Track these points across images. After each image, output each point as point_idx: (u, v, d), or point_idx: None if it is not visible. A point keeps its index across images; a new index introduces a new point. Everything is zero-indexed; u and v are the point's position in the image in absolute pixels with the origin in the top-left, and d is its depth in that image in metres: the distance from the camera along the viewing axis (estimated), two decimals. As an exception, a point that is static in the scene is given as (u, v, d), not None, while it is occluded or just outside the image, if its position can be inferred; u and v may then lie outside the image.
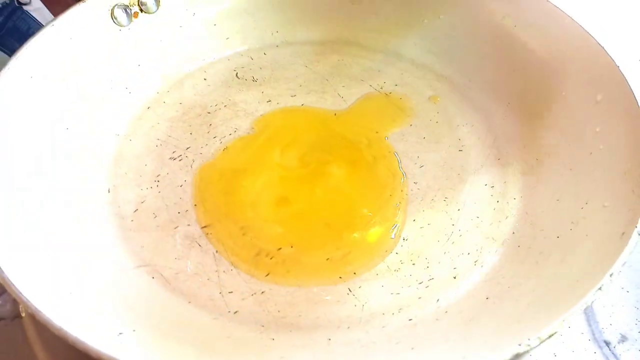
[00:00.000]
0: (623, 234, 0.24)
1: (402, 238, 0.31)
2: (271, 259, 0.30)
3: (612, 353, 0.30)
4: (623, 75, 0.30)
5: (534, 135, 0.35)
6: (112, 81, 0.37)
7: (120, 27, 0.37)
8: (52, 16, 0.48)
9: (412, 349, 0.25)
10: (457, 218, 0.32)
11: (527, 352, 0.20)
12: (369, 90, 0.40)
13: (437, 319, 0.27)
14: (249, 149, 0.36)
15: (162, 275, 0.29)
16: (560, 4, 0.35)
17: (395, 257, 0.30)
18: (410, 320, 0.27)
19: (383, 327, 0.27)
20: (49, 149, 0.32)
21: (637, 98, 0.29)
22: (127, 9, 0.37)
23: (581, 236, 0.27)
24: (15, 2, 0.46)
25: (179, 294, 0.28)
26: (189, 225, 0.31)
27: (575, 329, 0.31)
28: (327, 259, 0.30)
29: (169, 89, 0.39)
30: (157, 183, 0.34)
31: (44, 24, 0.46)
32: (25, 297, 0.21)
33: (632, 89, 0.30)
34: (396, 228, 0.31)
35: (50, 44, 0.33)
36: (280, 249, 0.30)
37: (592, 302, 0.21)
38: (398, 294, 0.28)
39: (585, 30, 0.33)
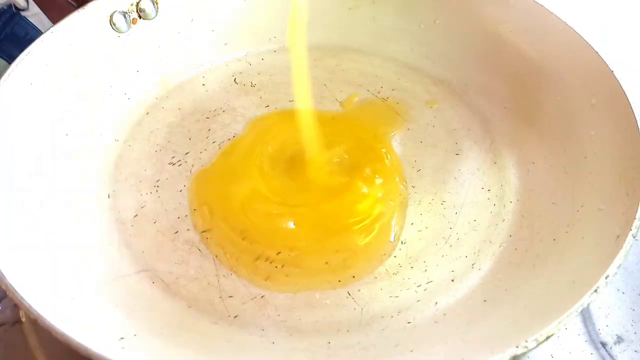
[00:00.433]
0: (618, 236, 0.24)
1: (400, 241, 0.31)
2: (270, 263, 0.30)
3: (609, 354, 0.31)
4: (617, 79, 0.31)
5: (530, 139, 0.35)
6: (111, 87, 0.37)
7: (119, 33, 0.37)
8: (50, 22, 0.48)
9: (411, 351, 0.25)
10: (455, 221, 0.32)
11: (525, 353, 0.20)
12: (366, 95, 0.40)
13: (435, 322, 0.27)
14: (245, 153, 0.36)
15: (162, 280, 0.29)
16: (555, 10, 0.35)
17: (394, 261, 0.30)
18: (409, 323, 0.27)
19: (382, 330, 0.27)
20: (48, 153, 0.32)
21: (630, 102, 0.30)
22: (126, 15, 0.37)
23: (577, 239, 0.28)
24: (13, 8, 0.47)
25: (180, 298, 0.29)
26: (188, 230, 0.32)
27: (572, 331, 0.31)
28: (326, 262, 0.30)
29: (168, 95, 0.40)
30: (156, 188, 0.34)
31: (41, 29, 0.47)
32: (27, 302, 0.22)
33: (626, 93, 0.30)
34: (394, 231, 0.32)
35: (49, 51, 0.33)
36: (279, 253, 0.30)
37: (589, 304, 0.22)
38: (397, 297, 0.29)
39: (580, 36, 0.33)
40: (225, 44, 0.42)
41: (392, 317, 0.28)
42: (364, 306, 0.28)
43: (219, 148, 0.36)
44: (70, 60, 0.35)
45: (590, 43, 0.33)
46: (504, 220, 0.32)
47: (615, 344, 0.31)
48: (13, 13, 0.47)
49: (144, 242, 0.31)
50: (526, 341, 0.20)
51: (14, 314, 0.32)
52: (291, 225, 0.32)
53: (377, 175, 0.34)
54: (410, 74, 0.41)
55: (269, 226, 0.31)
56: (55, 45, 0.34)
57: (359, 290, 0.29)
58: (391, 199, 0.33)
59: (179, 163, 0.35)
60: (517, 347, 0.20)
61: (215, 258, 0.30)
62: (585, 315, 0.32)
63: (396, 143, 0.37)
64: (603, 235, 0.26)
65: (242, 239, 0.31)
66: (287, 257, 0.30)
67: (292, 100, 0.39)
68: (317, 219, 0.32)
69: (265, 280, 0.29)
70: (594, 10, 0.46)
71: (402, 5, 0.41)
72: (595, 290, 0.22)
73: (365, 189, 0.33)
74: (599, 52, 0.32)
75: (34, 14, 0.49)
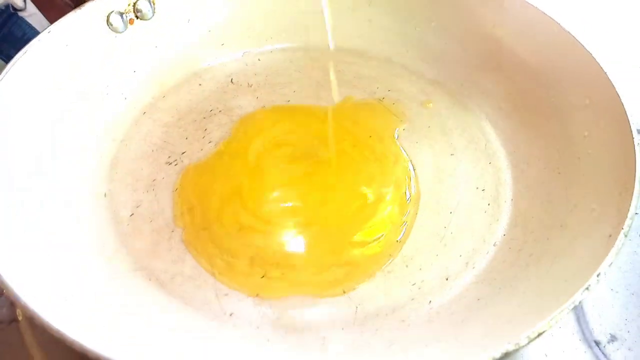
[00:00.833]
0: (610, 235, 0.25)
1: (395, 240, 0.31)
2: (267, 261, 0.30)
3: (602, 352, 0.31)
4: (610, 80, 0.31)
5: (525, 140, 0.35)
6: (108, 87, 0.37)
7: (116, 34, 0.38)
8: (47, 22, 0.48)
9: (405, 350, 0.25)
10: (449, 221, 0.32)
11: (517, 350, 0.20)
12: (362, 95, 0.40)
13: (429, 320, 0.27)
14: (240, 150, 0.36)
15: (158, 278, 0.29)
16: (550, 12, 0.35)
17: (389, 259, 0.30)
18: (403, 321, 0.28)
19: (377, 329, 0.27)
20: (44, 153, 0.32)
21: (623, 103, 0.30)
22: (123, 16, 0.37)
23: (570, 238, 0.28)
24: (11, 9, 0.47)
25: (175, 296, 0.29)
26: (185, 228, 0.32)
27: (565, 329, 0.32)
28: (331, 276, 0.30)
29: (165, 95, 0.40)
30: (153, 187, 0.34)
31: (39, 29, 0.47)
32: (23, 300, 0.22)
33: (619, 94, 0.30)
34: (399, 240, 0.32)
35: (46, 51, 0.33)
36: (276, 252, 0.30)
37: (580, 301, 0.22)
38: (391, 295, 0.29)
39: (574, 37, 0.34)
40: (222, 44, 0.42)
41: (386, 315, 0.28)
42: (359, 304, 0.29)
43: (215, 148, 0.36)
44: (67, 60, 0.35)
45: (584, 44, 0.33)
46: (498, 220, 0.32)
47: (608, 342, 0.31)
48: (10, 13, 0.47)
49: (140, 241, 0.31)
50: (518, 338, 0.20)
51: (11, 312, 0.32)
52: (288, 223, 0.32)
53: (381, 181, 0.34)
54: (406, 75, 0.41)
55: (266, 224, 0.32)
56: (52, 45, 0.34)
57: (354, 289, 0.29)
58: (399, 205, 0.33)
59: (175, 163, 0.35)
60: (508, 344, 0.20)
61: (212, 256, 0.30)
62: (579, 314, 0.32)
63: (391, 144, 0.37)
64: (596, 235, 0.26)
65: (239, 238, 0.31)
66: (284, 256, 0.30)
67: (289, 101, 0.40)
68: (314, 218, 0.32)
69: (261, 278, 0.29)
70: (587, 12, 0.47)
71: (398, 7, 0.42)
72: (587, 288, 0.22)
73: (370, 197, 0.33)
74: (592, 54, 0.32)
75: (32, 14, 0.49)
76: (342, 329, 0.27)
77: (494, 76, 0.38)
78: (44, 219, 0.29)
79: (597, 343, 0.31)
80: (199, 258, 0.30)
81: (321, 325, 0.28)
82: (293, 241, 0.31)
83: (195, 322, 0.28)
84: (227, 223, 0.31)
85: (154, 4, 0.38)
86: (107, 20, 0.37)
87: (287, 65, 0.42)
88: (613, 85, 0.31)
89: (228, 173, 0.34)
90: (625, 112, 0.29)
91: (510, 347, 0.20)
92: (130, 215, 0.32)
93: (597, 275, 0.22)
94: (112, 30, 0.37)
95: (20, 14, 0.50)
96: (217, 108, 0.39)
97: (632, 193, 0.26)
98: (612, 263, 0.23)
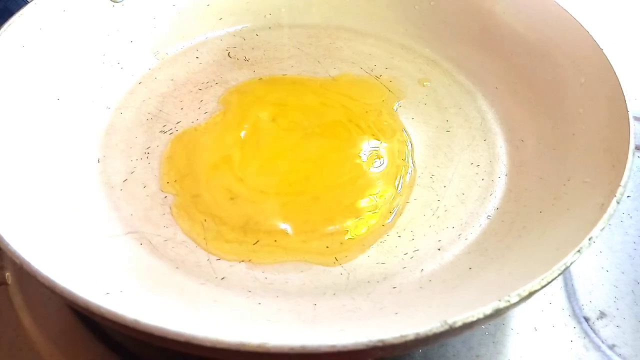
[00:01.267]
0: (602, 204, 0.25)
1: (388, 211, 0.31)
2: (260, 228, 0.30)
3: (591, 328, 0.31)
4: (607, 58, 0.31)
5: (520, 117, 0.36)
6: (105, 55, 0.37)
7: (114, 3, 0.38)
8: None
9: (396, 314, 0.25)
10: (443, 194, 0.32)
11: (507, 308, 0.20)
12: (360, 72, 0.40)
13: (420, 287, 0.27)
14: (232, 119, 0.36)
15: (150, 242, 0.29)
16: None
17: (382, 229, 0.30)
18: (394, 288, 0.28)
19: (368, 294, 0.27)
20: (40, 117, 0.32)
21: (620, 80, 0.30)
22: (121, -15, 0.37)
23: (562, 210, 0.28)
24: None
25: (167, 260, 0.29)
26: (178, 195, 0.32)
27: (556, 305, 0.32)
28: (326, 246, 0.30)
29: (161, 66, 0.40)
30: (147, 155, 0.34)
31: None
32: (12, 248, 0.22)
33: (616, 71, 0.30)
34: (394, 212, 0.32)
35: (43, 14, 0.33)
36: (269, 219, 0.30)
37: (572, 263, 0.22)
38: (383, 263, 0.29)
39: (572, 16, 0.34)
40: (220, 18, 0.42)
41: (378, 282, 0.28)
42: (351, 272, 0.28)
43: (212, 118, 0.36)
44: (64, 26, 0.35)
45: (581, 22, 0.33)
46: (491, 194, 0.32)
47: (597, 319, 0.32)
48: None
49: (133, 205, 0.31)
50: (509, 295, 0.20)
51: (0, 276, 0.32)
52: (282, 193, 0.32)
53: (379, 148, 0.34)
54: (403, 53, 0.41)
55: (259, 192, 0.31)
56: (49, 10, 0.34)
57: (346, 256, 0.29)
58: (394, 178, 0.33)
59: (170, 132, 0.35)
60: (499, 300, 0.20)
61: (204, 222, 0.30)
62: (570, 291, 0.33)
63: (387, 118, 0.37)
64: (588, 205, 0.26)
65: (232, 205, 0.31)
66: (277, 223, 0.30)
67: (286, 74, 0.40)
68: (308, 189, 0.32)
69: (254, 244, 0.29)
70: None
71: (397, -14, 0.42)
72: (579, 251, 0.22)
73: (364, 168, 0.33)
74: (589, 32, 0.33)
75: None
76: (334, 293, 0.27)
77: (491, 55, 0.38)
78: (37, 179, 0.29)
79: (587, 319, 0.32)
80: (191, 224, 0.30)
81: (313, 290, 0.28)
82: (285, 209, 0.31)
83: (186, 284, 0.27)
84: (218, 191, 0.31)
85: (153, -26, 0.38)
86: (106, -11, 0.37)
87: (285, 41, 0.42)
88: (610, 63, 0.31)
89: (220, 141, 0.34)
90: (622, 88, 0.29)
91: (502, 304, 0.20)
92: (124, 181, 0.32)
93: (589, 239, 0.22)
94: (111, 0, 0.37)
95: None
96: (214, 80, 0.39)
97: (625, 164, 0.26)
98: (604, 228, 0.23)
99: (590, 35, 0.32)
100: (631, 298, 0.32)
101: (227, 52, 0.41)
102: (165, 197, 0.32)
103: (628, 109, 0.28)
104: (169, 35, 0.40)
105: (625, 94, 0.29)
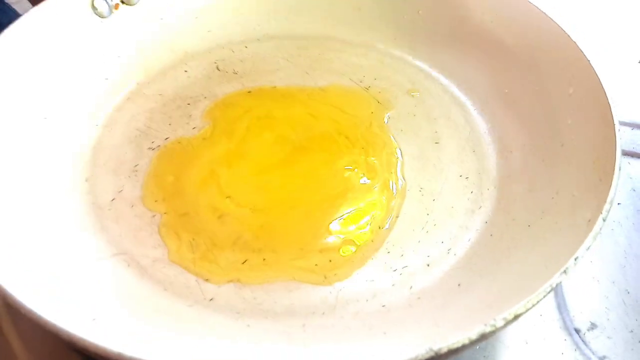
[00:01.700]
0: (589, 220, 0.25)
1: (378, 227, 0.31)
2: (248, 247, 0.30)
3: (582, 340, 0.31)
4: (594, 69, 0.31)
5: (509, 128, 0.36)
6: (92, 72, 0.37)
7: (101, 18, 0.37)
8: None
9: (385, 333, 0.25)
10: (432, 208, 0.32)
11: (494, 332, 0.20)
12: (349, 83, 0.40)
13: (409, 305, 0.27)
14: (220, 134, 0.36)
15: (139, 263, 0.29)
16: (536, 0, 0.35)
17: (371, 246, 0.30)
18: (383, 306, 0.28)
19: (357, 313, 0.27)
20: (27, 136, 0.32)
21: (606, 91, 0.30)
22: (108, 0, 0.37)
23: (550, 224, 0.28)
24: (-4, -6, 0.46)
25: (155, 281, 0.28)
26: (166, 213, 0.31)
27: (546, 317, 0.32)
28: (315, 264, 0.30)
29: (149, 81, 0.39)
30: (135, 173, 0.34)
31: (24, 15, 0.46)
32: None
33: (602, 82, 0.30)
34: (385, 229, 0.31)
35: (29, 33, 0.33)
36: (258, 237, 0.30)
37: (558, 284, 0.22)
38: (372, 280, 0.29)
39: (559, 26, 0.34)
40: (208, 31, 0.42)
41: (367, 300, 0.28)
42: (340, 290, 0.28)
43: (199, 133, 0.36)
44: (51, 44, 0.35)
45: (569, 33, 0.33)
46: (480, 207, 0.32)
47: (588, 330, 0.32)
48: (-5, -1, 0.46)
49: (121, 226, 0.31)
50: (494, 320, 0.20)
51: (-11, 299, 0.32)
52: (271, 209, 0.32)
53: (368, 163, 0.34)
54: (392, 63, 0.41)
55: (248, 210, 0.31)
56: (35, 28, 0.34)
57: (335, 274, 0.29)
58: (383, 192, 0.33)
59: (159, 148, 0.35)
60: (485, 325, 0.20)
61: (192, 241, 0.30)
62: (560, 302, 0.33)
63: (377, 131, 0.37)
64: (575, 220, 0.26)
65: (221, 224, 0.31)
66: (266, 242, 0.30)
67: (275, 87, 0.39)
68: (295, 204, 0.32)
69: (243, 263, 0.29)
70: (573, 1, 0.47)
71: (386, -5, 0.42)
72: (565, 271, 0.22)
73: (354, 183, 0.33)
74: (577, 43, 0.33)
75: (18, 1, 0.48)
76: (323, 313, 0.27)
77: (480, 65, 0.38)
78: (23, 202, 0.29)
79: (577, 331, 0.31)
80: (179, 244, 0.30)
81: (302, 309, 0.28)
82: (274, 227, 0.31)
83: (175, 306, 0.27)
84: (205, 209, 0.31)
85: (139, -12, 0.38)
86: (92, 5, 0.37)
87: (274, 53, 0.42)
88: (597, 75, 0.31)
89: (207, 158, 0.34)
90: (608, 100, 0.29)
91: (488, 329, 0.20)
92: (112, 200, 0.32)
93: (575, 259, 0.22)
94: (97, 14, 0.37)
95: (7, 1, 0.50)
96: (202, 94, 0.39)
97: (612, 179, 0.26)
98: (590, 247, 0.23)
99: (578, 46, 0.32)
100: (622, 309, 0.32)
101: (216, 65, 0.41)
102: (154, 216, 0.31)
103: (614, 123, 0.28)
104: (156, 50, 0.40)
105: (612, 107, 0.29)
